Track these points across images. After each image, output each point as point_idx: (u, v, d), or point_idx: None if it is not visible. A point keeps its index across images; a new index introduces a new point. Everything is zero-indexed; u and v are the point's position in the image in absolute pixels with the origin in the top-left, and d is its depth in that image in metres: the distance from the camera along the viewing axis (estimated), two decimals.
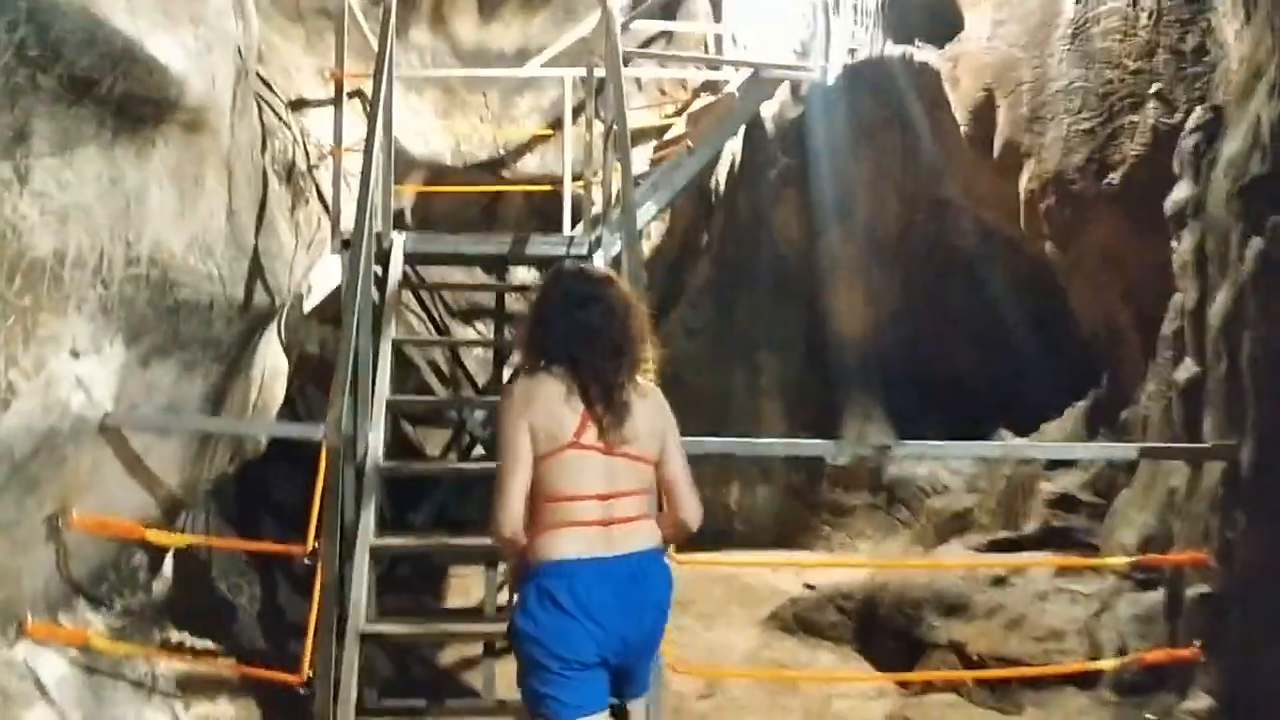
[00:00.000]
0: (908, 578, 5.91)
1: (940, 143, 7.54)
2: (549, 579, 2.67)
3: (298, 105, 7.21)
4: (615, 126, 5.50)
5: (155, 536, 3.94)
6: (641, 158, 8.41)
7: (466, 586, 6.98)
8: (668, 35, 9.30)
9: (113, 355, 3.81)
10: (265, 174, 4.98)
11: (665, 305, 8.67)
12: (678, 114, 9.00)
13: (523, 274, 8.43)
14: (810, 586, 6.69)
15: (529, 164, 8.88)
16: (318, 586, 3.75)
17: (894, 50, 7.72)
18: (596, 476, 2.71)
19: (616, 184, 6.41)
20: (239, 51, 4.39)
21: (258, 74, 5.32)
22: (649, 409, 2.80)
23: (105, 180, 3.66)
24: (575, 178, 7.58)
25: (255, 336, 4.82)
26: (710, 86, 8.95)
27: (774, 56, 8.41)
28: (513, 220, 9.03)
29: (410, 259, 6.45)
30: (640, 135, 8.54)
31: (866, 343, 8.24)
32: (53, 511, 3.77)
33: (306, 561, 3.79)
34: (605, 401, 2.72)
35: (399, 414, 7.86)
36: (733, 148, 8.65)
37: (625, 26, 7.66)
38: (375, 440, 4.90)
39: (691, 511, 2.82)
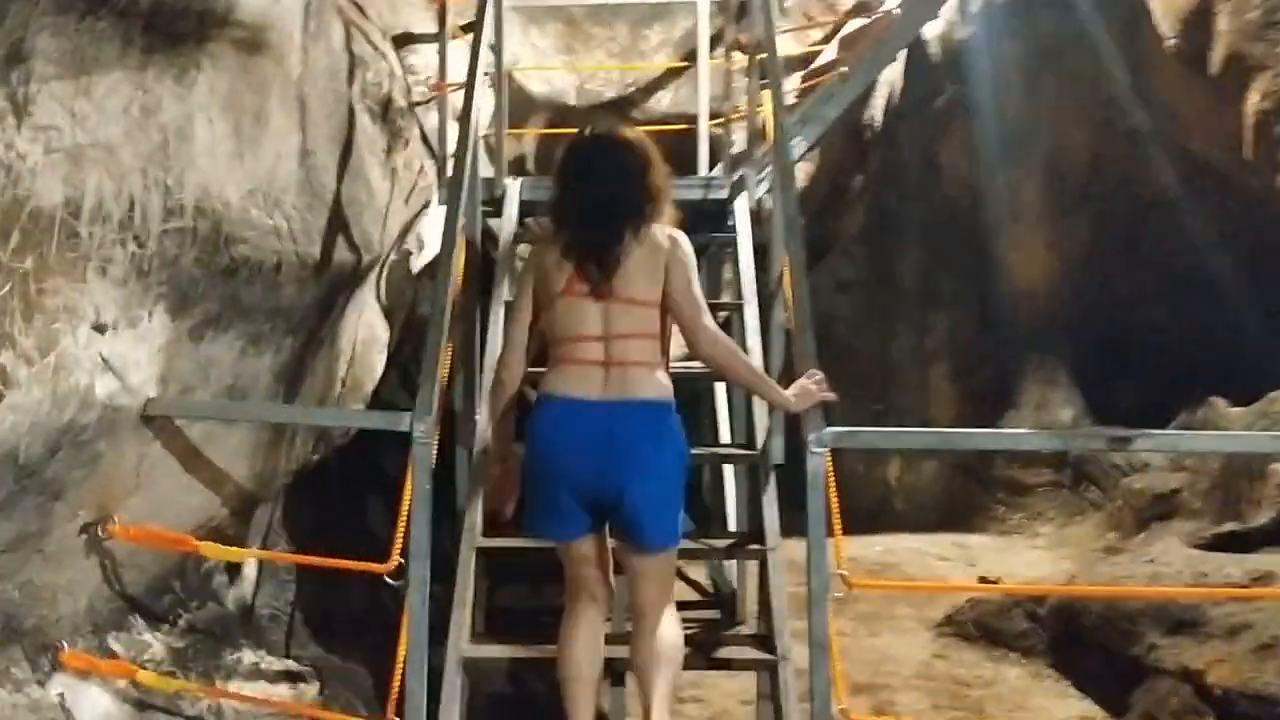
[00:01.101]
0: (1118, 578, 4.95)
1: (1138, 62, 6.46)
2: (538, 412, 2.93)
3: (404, 40, 6.48)
4: (763, 49, 4.62)
5: (210, 550, 3.24)
6: (787, 90, 7.50)
7: None
8: None
9: (154, 329, 3.10)
10: (352, 110, 4.23)
11: (813, 254, 7.74)
12: (826, 40, 8.01)
13: None
14: (988, 580, 5.76)
15: (661, 102, 8.17)
16: (404, 618, 3.01)
17: None
18: (593, 320, 2.89)
19: (759, 120, 5.65)
20: None
21: None
22: (647, 253, 2.91)
23: (135, 111, 2.94)
24: (712, 116, 6.75)
25: (340, 300, 4.08)
26: (863, 8, 7.93)
27: None
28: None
29: (527, 208, 5.66)
30: (786, 65, 7.58)
31: (1049, 297, 7.22)
32: (90, 520, 3.11)
33: (390, 581, 3.05)
34: (593, 262, 2.89)
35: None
36: (890, 76, 7.64)
37: None
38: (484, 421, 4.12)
39: (705, 342, 2.91)
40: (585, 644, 2.99)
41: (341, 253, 3.86)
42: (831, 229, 8.01)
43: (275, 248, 3.45)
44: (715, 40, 7.04)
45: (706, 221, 5.63)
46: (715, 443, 5.40)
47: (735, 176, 5.70)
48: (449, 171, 5.00)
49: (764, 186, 5.61)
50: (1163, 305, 6.94)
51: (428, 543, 2.98)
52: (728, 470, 5.22)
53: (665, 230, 2.96)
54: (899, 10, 6.96)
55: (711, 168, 6.78)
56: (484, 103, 5.11)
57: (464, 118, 3.96)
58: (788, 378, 3.33)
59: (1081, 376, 7.07)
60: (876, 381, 7.09)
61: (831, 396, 2.96)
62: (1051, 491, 7.01)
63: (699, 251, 6.47)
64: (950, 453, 7.08)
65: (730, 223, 5.49)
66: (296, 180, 3.59)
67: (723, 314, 5.02)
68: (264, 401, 3.66)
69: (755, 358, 4.32)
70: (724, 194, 5.69)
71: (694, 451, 3.30)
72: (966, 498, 7.27)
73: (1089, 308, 7.08)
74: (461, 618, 3.61)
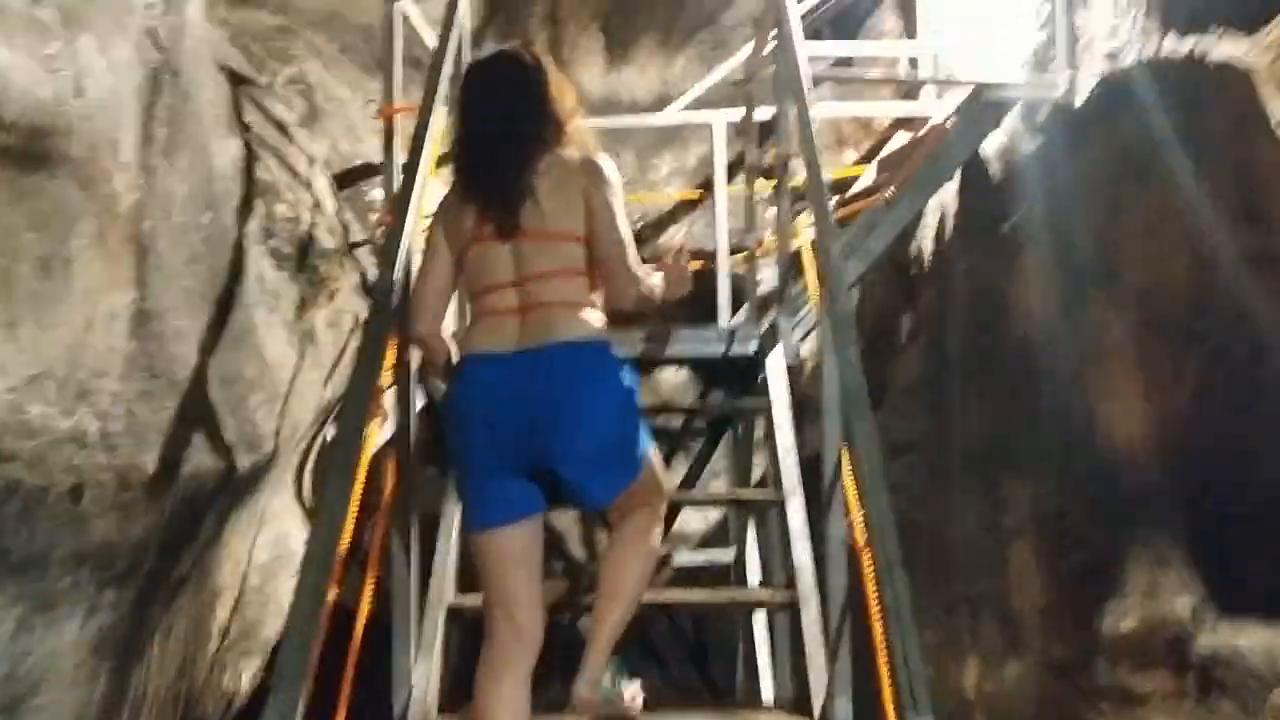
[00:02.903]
0: None
1: (1249, 171, 5.33)
2: (457, 378, 2.65)
3: (362, 173, 5.50)
4: (804, 161, 3.56)
5: None
6: None
7: None
8: (844, 65, 7.38)
9: None
10: (242, 253, 3.10)
11: None
12: (864, 161, 7.01)
13: (669, 377, 6.74)
14: None
15: (674, 238, 7.37)
16: None
17: (1177, 46, 5.52)
18: (503, 264, 2.64)
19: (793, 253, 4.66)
20: (155, 40, 2.53)
21: (258, 105, 3.51)
22: (559, 181, 2.65)
23: None
24: (733, 251, 6.01)
25: (210, 521, 2.89)
26: (906, 124, 6.94)
27: (996, 73, 6.35)
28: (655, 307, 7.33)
29: None
30: None
31: (1152, 457, 5.94)
32: None
33: None
34: (496, 197, 2.63)
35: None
36: (942, 199, 6.61)
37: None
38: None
39: (622, 289, 2.65)
40: (506, 705, 2.48)
41: (200, 458, 2.71)
42: (879, 380, 6.88)
43: (73, 462, 2.29)
44: (734, 167, 6.33)
45: (732, 381, 4.72)
46: None
47: (765, 325, 4.63)
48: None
49: (800, 332, 4.64)
50: None
51: None
52: None
53: (580, 155, 2.70)
54: (951, 123, 5.97)
55: (734, 311, 6.00)
56: None
57: (383, 258, 2.83)
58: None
59: (1199, 554, 5.76)
60: (945, 563, 5.84)
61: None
62: (1172, 702, 5.66)
63: (722, 422, 5.37)
64: (1041, 651, 5.81)
65: (761, 378, 4.43)
66: (123, 357, 2.46)
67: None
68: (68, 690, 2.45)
69: (804, 576, 3.23)
70: (752, 348, 4.59)
71: None
72: (1062, 709, 5.94)
73: (1202, 469, 5.79)
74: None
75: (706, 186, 6.68)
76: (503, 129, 2.67)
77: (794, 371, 4.39)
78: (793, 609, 3.37)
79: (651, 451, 2.69)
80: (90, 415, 2.32)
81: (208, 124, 3.00)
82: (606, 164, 2.71)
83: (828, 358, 3.34)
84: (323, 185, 3.99)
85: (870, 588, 2.73)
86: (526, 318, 2.59)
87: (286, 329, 3.32)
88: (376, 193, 5.37)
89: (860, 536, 2.85)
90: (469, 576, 3.39)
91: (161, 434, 2.55)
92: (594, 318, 2.65)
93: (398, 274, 2.82)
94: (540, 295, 2.60)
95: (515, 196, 2.60)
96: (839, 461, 3.15)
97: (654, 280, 2.74)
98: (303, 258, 3.53)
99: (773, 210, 5.00)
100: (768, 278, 5.56)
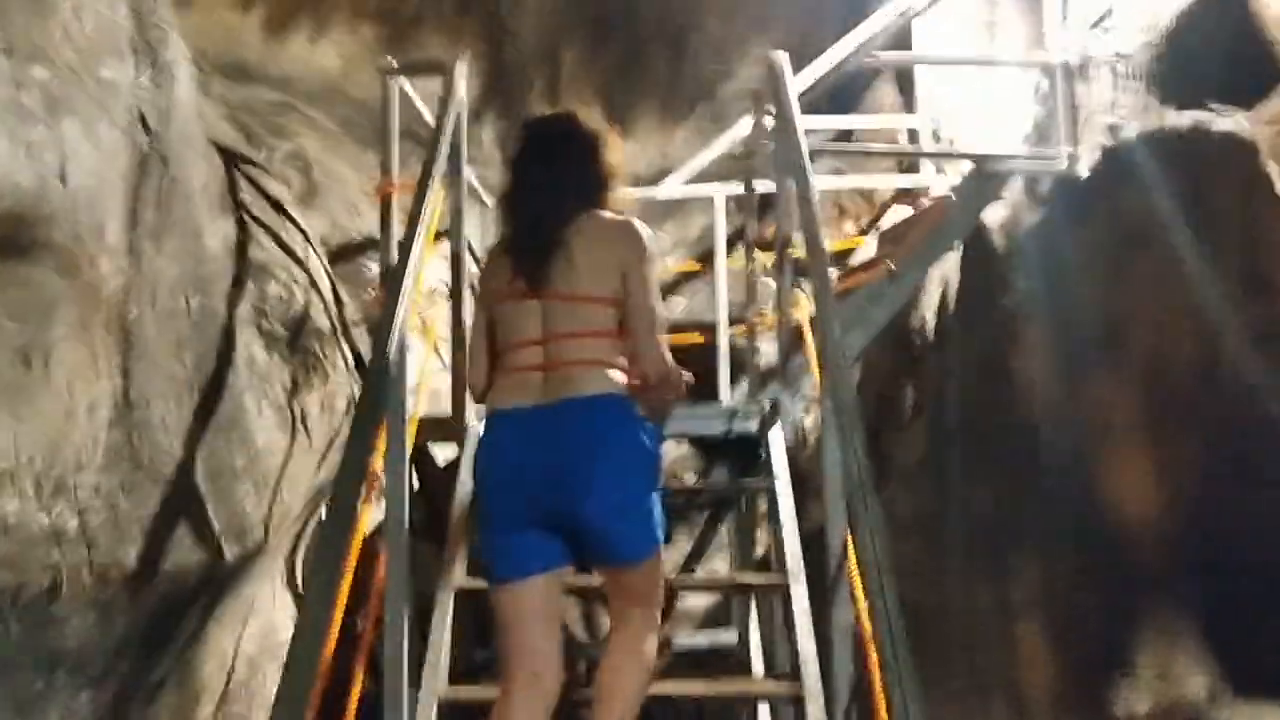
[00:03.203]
0: None
1: (1255, 243, 5.27)
2: (484, 433, 2.71)
3: (361, 248, 5.44)
4: (806, 243, 3.49)
5: None
6: None
7: None
8: (843, 137, 7.36)
9: None
10: (232, 335, 3.03)
11: None
12: (864, 233, 6.97)
13: (670, 449, 6.62)
14: None
15: (675, 310, 7.27)
16: None
17: (1179, 119, 5.48)
18: (531, 321, 2.64)
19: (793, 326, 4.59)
20: (144, 122, 2.48)
21: (254, 183, 3.46)
22: (598, 244, 2.66)
23: None
24: (733, 323, 5.94)
25: (193, 617, 2.78)
26: (906, 196, 6.90)
27: (997, 146, 6.32)
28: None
29: None
30: None
31: (1161, 534, 5.80)
32: None
33: None
34: (530, 254, 2.65)
35: None
36: (943, 271, 6.55)
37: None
38: None
39: (647, 362, 2.62)
40: None
41: (184, 551, 2.61)
42: (884, 454, 6.76)
43: (50, 560, 2.19)
44: (734, 239, 6.27)
45: (734, 455, 4.60)
46: None
47: (767, 402, 4.52)
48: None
49: (802, 405, 4.54)
50: None
51: None
52: None
53: (620, 219, 2.73)
54: (953, 195, 5.94)
55: (733, 384, 5.93)
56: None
57: (376, 338, 2.75)
58: None
59: (1213, 634, 5.60)
60: (951, 643, 5.69)
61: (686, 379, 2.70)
62: None
63: (723, 504, 5.26)
64: None
65: (763, 455, 4.33)
66: (104, 448, 2.37)
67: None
68: None
69: (809, 667, 3.12)
70: (752, 425, 4.48)
71: None
72: None
73: (1214, 545, 5.66)
74: None
75: (707, 258, 6.62)
76: (544, 185, 2.70)
77: (796, 445, 4.28)
78: (797, 701, 3.24)
79: (660, 547, 2.67)
80: (68, 510, 2.23)
81: (199, 205, 2.93)
82: (645, 230, 2.72)
83: (828, 441, 3.24)
84: (318, 264, 3.92)
85: (877, 685, 2.62)
86: (550, 375, 2.61)
87: (277, 413, 3.22)
88: (376, 268, 5.31)
89: (866, 625, 2.74)
90: (463, 664, 3.29)
91: (143, 528, 2.44)
92: (617, 375, 2.62)
93: (391, 353, 2.73)
94: (565, 354, 2.61)
95: (548, 257, 2.62)
96: (844, 546, 3.05)
97: (669, 360, 2.70)
98: (295, 338, 3.45)
99: (773, 283, 4.95)
100: (768, 350, 5.45)
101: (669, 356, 2.67)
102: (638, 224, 2.73)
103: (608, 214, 2.72)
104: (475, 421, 4.01)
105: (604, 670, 2.58)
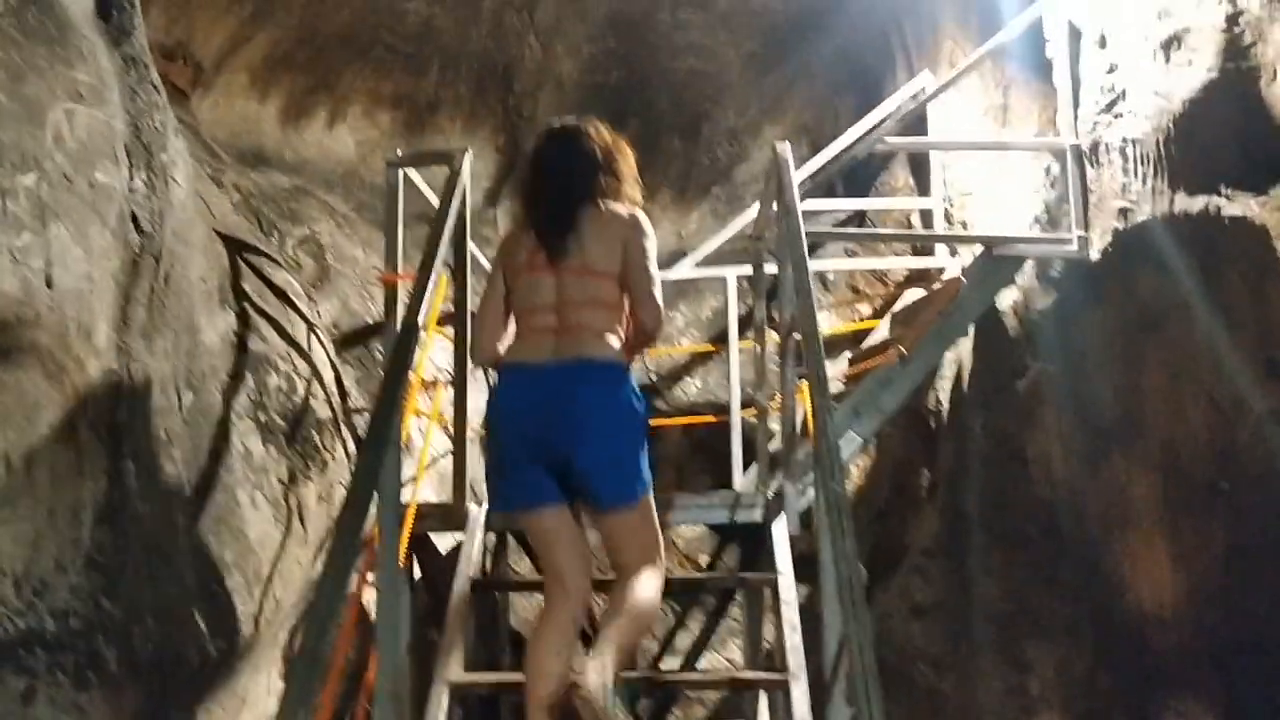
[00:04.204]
0: None
1: (1271, 326, 5.20)
2: (500, 384, 3.10)
3: (372, 332, 5.46)
4: (799, 327, 3.48)
5: None
6: (834, 373, 6.48)
7: None
8: (857, 219, 7.36)
9: None
10: (227, 430, 3.04)
11: (879, 570, 6.35)
12: (877, 315, 6.92)
13: (684, 531, 6.61)
14: None
15: (688, 390, 7.21)
16: None
17: (1191, 204, 5.45)
18: (548, 291, 3.08)
19: (800, 414, 4.54)
20: (137, 223, 2.51)
21: (258, 273, 3.49)
22: (605, 227, 3.11)
23: None
24: (744, 404, 5.98)
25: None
26: (919, 278, 6.87)
27: (1009, 229, 6.28)
28: (671, 460, 7.19)
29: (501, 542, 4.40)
30: (830, 345, 6.53)
31: (1182, 621, 5.67)
32: None
33: None
34: (552, 236, 3.08)
35: None
36: (957, 354, 6.49)
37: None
38: None
39: (648, 314, 3.08)
40: (550, 649, 2.83)
41: (167, 649, 2.58)
42: (898, 538, 6.68)
43: (26, 664, 2.18)
44: (747, 320, 6.29)
45: (745, 541, 4.54)
46: None
47: (772, 491, 4.46)
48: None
49: (810, 494, 4.50)
50: None
51: None
52: None
53: (627, 208, 3.17)
54: (965, 278, 5.90)
55: (746, 464, 5.95)
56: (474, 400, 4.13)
57: (371, 430, 2.74)
58: None
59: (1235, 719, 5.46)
60: None
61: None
62: None
63: (729, 599, 5.19)
64: None
65: (769, 545, 4.27)
66: (87, 549, 2.36)
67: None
68: None
69: None
70: (757, 514, 4.43)
71: None
72: None
73: (1236, 633, 5.52)
74: None
75: (721, 339, 6.63)
76: (569, 185, 3.13)
77: (802, 535, 4.21)
78: None
79: (651, 496, 3.04)
80: (47, 613, 2.22)
81: (195, 300, 2.95)
82: (644, 219, 3.17)
83: (823, 545, 3.20)
84: (322, 352, 3.93)
85: None
86: (561, 337, 3.04)
87: (272, 506, 3.20)
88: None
89: None
90: None
91: (125, 629, 2.43)
92: (616, 344, 3.06)
93: (385, 460, 2.72)
94: (575, 319, 3.03)
95: (568, 238, 3.05)
96: (839, 649, 2.99)
97: (663, 311, 3.16)
98: (295, 429, 3.46)
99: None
100: (779, 430, 5.42)
101: (663, 309, 3.11)
102: (639, 214, 3.17)
103: (617, 206, 3.15)
104: (476, 509, 3.99)
105: (617, 588, 2.93)
